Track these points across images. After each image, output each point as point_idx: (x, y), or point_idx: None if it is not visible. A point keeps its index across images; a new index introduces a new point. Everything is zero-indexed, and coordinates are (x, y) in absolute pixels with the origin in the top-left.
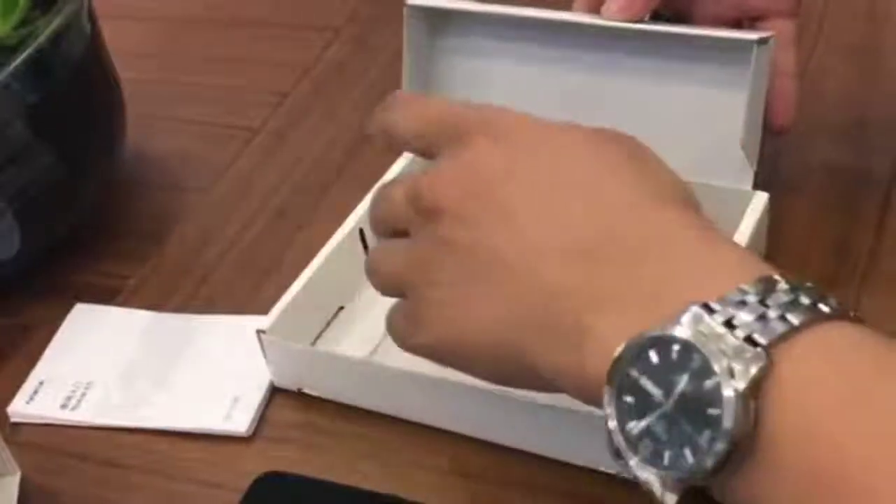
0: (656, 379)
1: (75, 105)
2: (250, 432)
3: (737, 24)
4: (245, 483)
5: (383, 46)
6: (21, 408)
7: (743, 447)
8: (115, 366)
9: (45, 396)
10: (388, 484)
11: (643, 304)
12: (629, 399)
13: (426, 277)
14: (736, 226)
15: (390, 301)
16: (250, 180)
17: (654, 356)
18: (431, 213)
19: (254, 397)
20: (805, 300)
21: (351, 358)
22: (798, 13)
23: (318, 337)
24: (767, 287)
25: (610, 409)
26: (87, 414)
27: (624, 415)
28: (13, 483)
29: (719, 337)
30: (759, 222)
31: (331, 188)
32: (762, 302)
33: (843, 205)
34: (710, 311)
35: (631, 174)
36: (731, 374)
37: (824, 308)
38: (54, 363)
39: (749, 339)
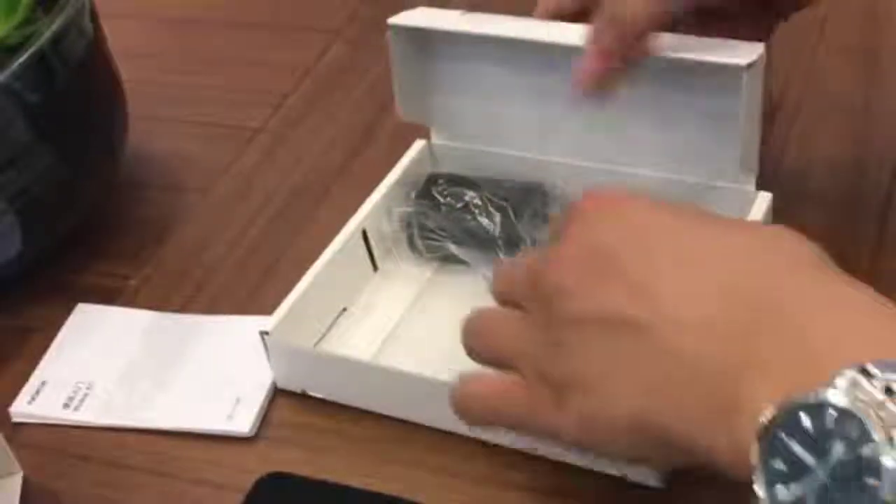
0: (809, 445)
1: (77, 105)
2: (253, 432)
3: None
4: (248, 484)
5: (383, 47)
6: (23, 408)
7: None
8: (118, 366)
9: (47, 397)
10: (390, 485)
11: (793, 370)
12: (780, 466)
13: (559, 354)
14: None
15: (393, 303)
16: (251, 181)
17: (806, 421)
18: (556, 292)
19: (256, 398)
20: None
21: (355, 359)
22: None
23: (321, 338)
24: None
25: (758, 475)
26: (90, 414)
27: (774, 480)
28: (16, 483)
29: (879, 404)
30: (763, 223)
31: (331, 189)
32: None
33: (845, 204)
34: (868, 375)
35: (751, 240)
36: (892, 443)
37: None
38: (56, 363)
39: None
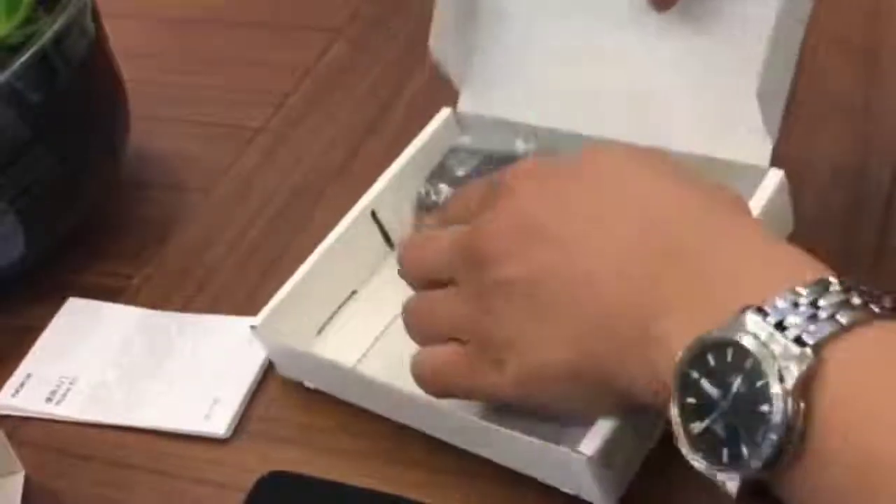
0: (714, 380)
1: (78, 105)
2: (228, 434)
3: None
4: (249, 483)
5: (384, 47)
6: (7, 401)
7: (794, 442)
8: (102, 362)
9: (30, 389)
10: (391, 484)
11: (701, 309)
12: (691, 400)
13: (490, 321)
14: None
15: (404, 285)
16: (251, 180)
17: (711, 359)
18: (484, 259)
19: (235, 399)
20: (857, 300)
21: (336, 364)
22: None
23: (327, 321)
24: (820, 288)
25: (675, 410)
26: (71, 409)
27: (687, 415)
28: (17, 482)
29: (770, 338)
30: (771, 202)
31: (331, 189)
32: (814, 303)
33: (846, 204)
34: (764, 314)
35: (673, 185)
36: (780, 374)
37: (875, 308)
38: (43, 357)
39: (798, 340)
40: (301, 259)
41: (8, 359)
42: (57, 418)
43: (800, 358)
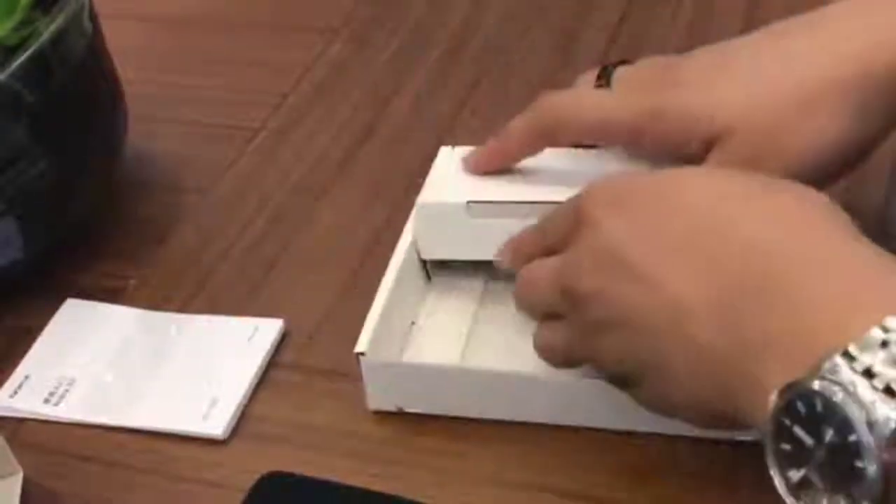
0: (807, 429)
1: (76, 105)
2: (227, 434)
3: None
4: (248, 483)
5: (383, 46)
6: (5, 401)
7: (892, 496)
8: (100, 363)
9: (28, 391)
10: (391, 484)
11: (792, 350)
12: (786, 447)
13: (601, 357)
14: None
15: (456, 312)
16: (250, 181)
17: (801, 407)
18: (577, 300)
19: (233, 400)
20: None
21: (455, 367)
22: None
23: (401, 353)
24: None
25: (770, 456)
26: (69, 410)
27: (783, 462)
28: (16, 483)
29: (858, 388)
30: None
31: (331, 189)
32: None
33: (844, 204)
34: (851, 358)
35: (760, 209)
36: (871, 426)
37: None
38: (41, 358)
39: (888, 390)
40: (299, 260)
41: (6, 360)
42: (55, 419)
43: (893, 410)
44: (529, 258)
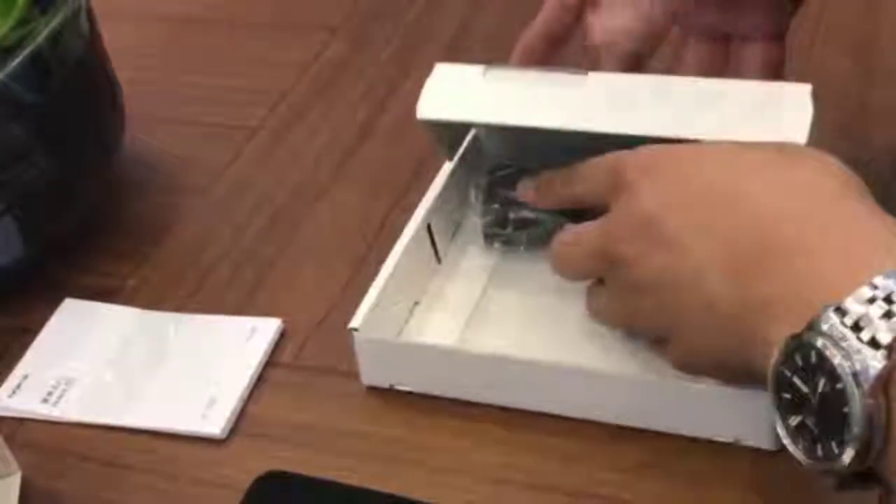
0: (804, 378)
1: (74, 105)
2: (225, 434)
3: (725, 41)
4: (246, 482)
5: (382, 44)
6: (3, 401)
7: (877, 437)
8: (99, 363)
9: (26, 391)
10: (389, 483)
11: (794, 308)
12: (787, 396)
13: (638, 317)
14: None
15: (463, 293)
16: (249, 180)
17: (798, 359)
18: (617, 263)
19: (231, 399)
20: None
21: (447, 347)
22: (784, 38)
23: (400, 332)
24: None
25: (773, 407)
26: (68, 410)
27: (784, 410)
28: (14, 483)
29: (846, 341)
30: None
31: (329, 188)
32: (888, 298)
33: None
34: (842, 312)
35: (765, 176)
36: (857, 377)
37: None
38: (40, 358)
39: (873, 342)
40: (298, 259)
41: (4, 360)
42: (54, 419)
43: (875, 359)
44: (555, 202)
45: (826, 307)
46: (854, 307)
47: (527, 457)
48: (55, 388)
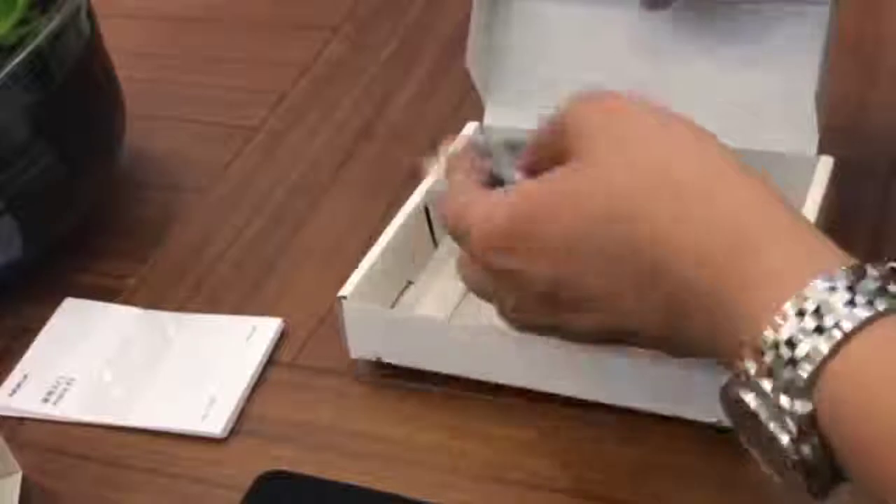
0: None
1: (74, 105)
2: (225, 433)
3: None
4: (246, 482)
5: (382, 44)
6: (4, 400)
7: (823, 471)
8: (99, 362)
9: (27, 390)
10: (389, 482)
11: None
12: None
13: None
14: (800, 195)
15: (455, 277)
16: (249, 180)
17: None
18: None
19: (231, 399)
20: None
21: (434, 319)
22: None
23: (390, 309)
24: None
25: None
26: (68, 409)
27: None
28: (14, 483)
29: (767, 397)
30: (828, 189)
31: (329, 188)
32: (817, 313)
33: (845, 203)
34: (760, 358)
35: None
36: (784, 426)
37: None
38: (40, 357)
39: (793, 387)
40: (298, 259)
41: (5, 359)
42: (54, 419)
43: (797, 407)
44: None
45: (748, 355)
46: (765, 361)
47: (526, 457)
48: (55, 387)
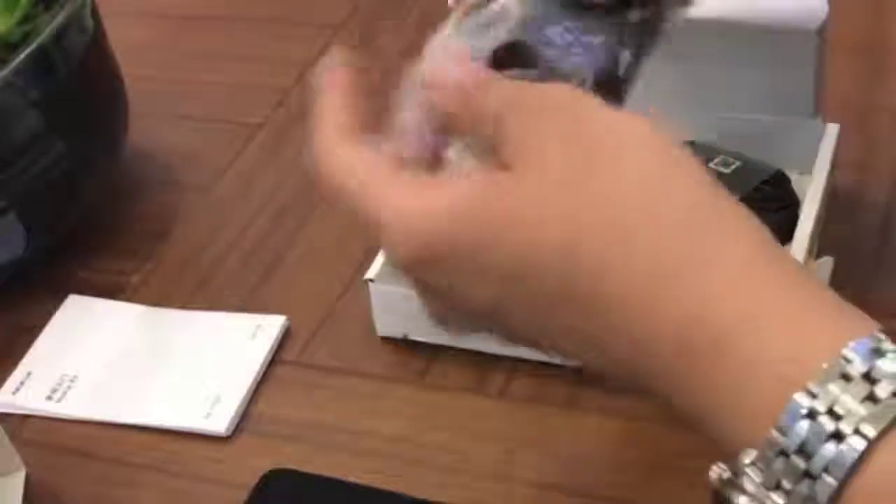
0: None
1: (78, 102)
2: (229, 432)
3: None
4: (251, 480)
5: (385, 41)
6: (7, 398)
7: None
8: (103, 360)
9: (31, 388)
10: (394, 481)
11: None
12: None
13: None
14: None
15: None
16: (252, 178)
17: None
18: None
19: (236, 397)
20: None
21: None
22: None
23: None
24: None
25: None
26: (72, 407)
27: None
28: (19, 480)
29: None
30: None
31: None
32: (832, 413)
33: (846, 205)
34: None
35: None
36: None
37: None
38: (43, 354)
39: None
40: (302, 257)
41: (8, 357)
42: (57, 416)
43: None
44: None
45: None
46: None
47: (531, 456)
48: (59, 385)
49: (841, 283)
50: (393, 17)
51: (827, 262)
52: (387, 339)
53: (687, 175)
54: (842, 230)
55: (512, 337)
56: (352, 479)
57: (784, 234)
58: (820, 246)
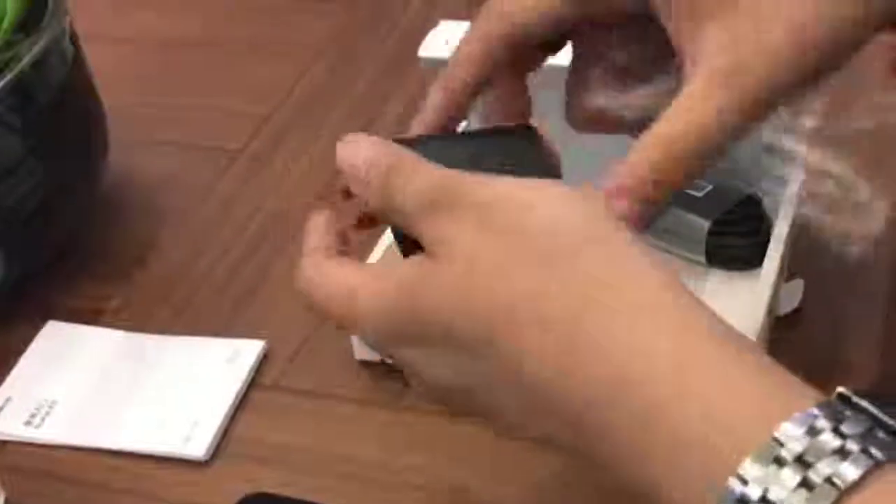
0: None
1: (57, 128)
2: (208, 456)
3: None
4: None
5: (365, 67)
6: None
7: None
8: (82, 385)
9: (9, 413)
10: None
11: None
12: None
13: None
14: None
15: None
16: (232, 203)
17: None
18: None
19: (214, 421)
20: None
21: None
22: None
23: None
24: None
25: None
26: (51, 432)
27: None
28: None
29: None
30: None
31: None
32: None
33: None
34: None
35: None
36: None
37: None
38: (23, 380)
39: None
40: (281, 282)
41: None
42: (37, 442)
43: None
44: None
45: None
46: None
47: (510, 481)
48: (38, 410)
49: (811, 305)
50: (375, 43)
51: (797, 285)
52: (364, 363)
53: (598, 250)
54: (812, 252)
55: (493, 418)
56: (329, 502)
57: (756, 257)
58: (790, 268)
